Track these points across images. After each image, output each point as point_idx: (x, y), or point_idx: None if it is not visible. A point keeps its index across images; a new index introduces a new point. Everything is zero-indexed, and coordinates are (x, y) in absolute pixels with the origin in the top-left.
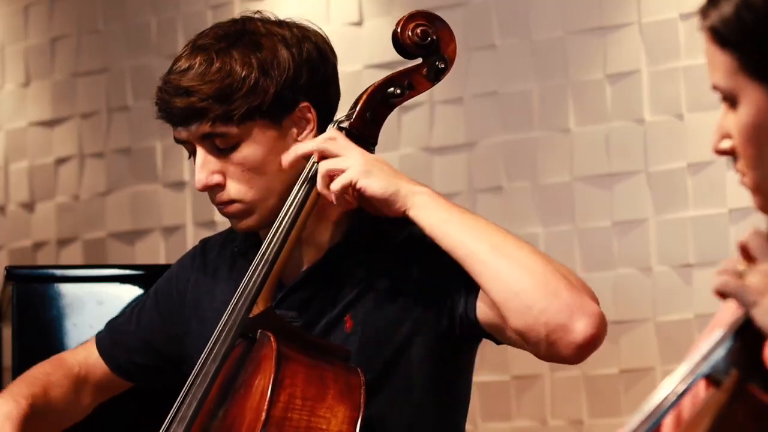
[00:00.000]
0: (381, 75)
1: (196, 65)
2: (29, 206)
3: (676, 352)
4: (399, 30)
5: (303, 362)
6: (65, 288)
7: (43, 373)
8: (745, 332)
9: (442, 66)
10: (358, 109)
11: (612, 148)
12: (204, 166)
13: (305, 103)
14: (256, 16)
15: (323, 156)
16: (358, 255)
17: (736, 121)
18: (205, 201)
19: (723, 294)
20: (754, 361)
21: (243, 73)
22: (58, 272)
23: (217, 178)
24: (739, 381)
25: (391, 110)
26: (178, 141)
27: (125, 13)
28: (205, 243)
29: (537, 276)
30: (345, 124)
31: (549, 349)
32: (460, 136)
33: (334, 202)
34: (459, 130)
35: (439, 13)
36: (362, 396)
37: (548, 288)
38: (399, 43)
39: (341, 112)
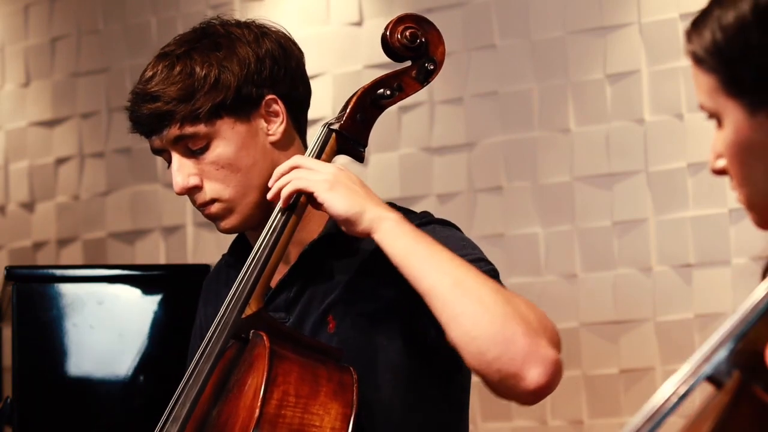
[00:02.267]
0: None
1: (159, 71)
2: (29, 206)
3: (676, 352)
4: (388, 33)
5: (296, 361)
6: (65, 288)
7: None
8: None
9: (432, 68)
10: (348, 110)
11: (612, 148)
12: (180, 170)
13: (271, 96)
14: (216, 21)
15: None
16: (339, 248)
17: (722, 140)
18: None
19: None
20: (757, 362)
21: (203, 72)
22: (58, 272)
23: (194, 181)
24: (742, 382)
25: (381, 112)
26: (154, 151)
27: (125, 13)
28: (205, 281)
29: (495, 321)
30: (335, 126)
31: (502, 391)
32: (460, 136)
33: (274, 199)
34: (459, 130)
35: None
36: (355, 394)
37: (505, 334)
38: (388, 45)
39: (334, 114)
